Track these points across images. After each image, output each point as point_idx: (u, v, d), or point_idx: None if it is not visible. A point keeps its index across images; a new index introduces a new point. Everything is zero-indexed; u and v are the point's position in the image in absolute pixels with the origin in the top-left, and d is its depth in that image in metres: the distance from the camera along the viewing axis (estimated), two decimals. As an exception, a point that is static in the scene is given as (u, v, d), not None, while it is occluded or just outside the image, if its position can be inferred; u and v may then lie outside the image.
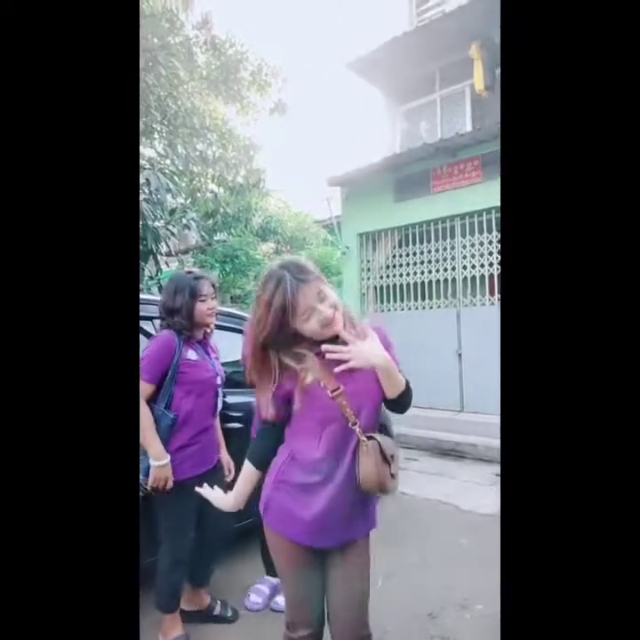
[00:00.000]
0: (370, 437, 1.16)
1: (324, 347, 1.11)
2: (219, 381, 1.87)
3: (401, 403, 1.21)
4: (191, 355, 1.78)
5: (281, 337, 1.13)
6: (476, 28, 5.47)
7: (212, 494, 1.30)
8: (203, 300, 1.77)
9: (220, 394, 1.91)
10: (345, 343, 1.10)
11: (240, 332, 2.23)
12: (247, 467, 1.26)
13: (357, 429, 1.15)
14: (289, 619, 1.26)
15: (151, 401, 1.72)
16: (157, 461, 1.65)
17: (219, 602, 2.03)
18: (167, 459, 1.67)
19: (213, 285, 1.85)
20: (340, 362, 1.11)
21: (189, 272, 1.88)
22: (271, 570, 2.10)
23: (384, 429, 1.25)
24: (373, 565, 1.30)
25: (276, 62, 6.02)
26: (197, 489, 1.32)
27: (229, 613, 2.02)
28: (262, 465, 1.25)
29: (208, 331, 1.90)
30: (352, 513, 1.20)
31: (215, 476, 1.80)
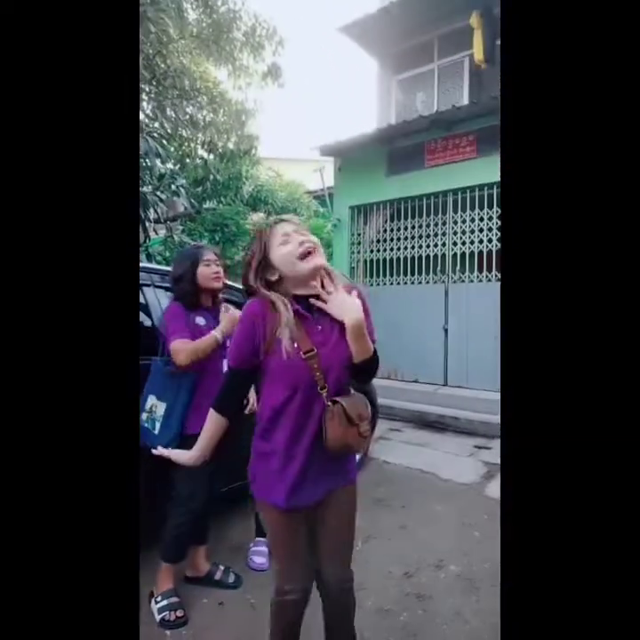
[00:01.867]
0: (334, 402, 1.18)
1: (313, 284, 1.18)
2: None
3: (365, 370, 1.23)
4: (199, 320, 1.84)
5: (265, 270, 1.20)
6: (478, -5, 5.31)
7: (173, 453, 1.32)
8: (206, 265, 1.85)
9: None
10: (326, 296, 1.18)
11: (235, 303, 2.23)
12: (210, 413, 1.26)
13: (324, 394, 1.18)
14: (277, 581, 1.27)
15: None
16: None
17: (220, 567, 2.02)
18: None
19: (216, 254, 1.94)
20: (315, 325, 1.18)
21: (198, 246, 1.99)
22: (261, 531, 2.17)
23: (359, 390, 1.27)
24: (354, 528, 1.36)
25: (271, 23, 5.78)
26: (155, 451, 1.32)
27: (231, 579, 1.99)
28: (225, 412, 1.25)
29: (216, 299, 1.95)
30: (328, 470, 1.24)
31: None
